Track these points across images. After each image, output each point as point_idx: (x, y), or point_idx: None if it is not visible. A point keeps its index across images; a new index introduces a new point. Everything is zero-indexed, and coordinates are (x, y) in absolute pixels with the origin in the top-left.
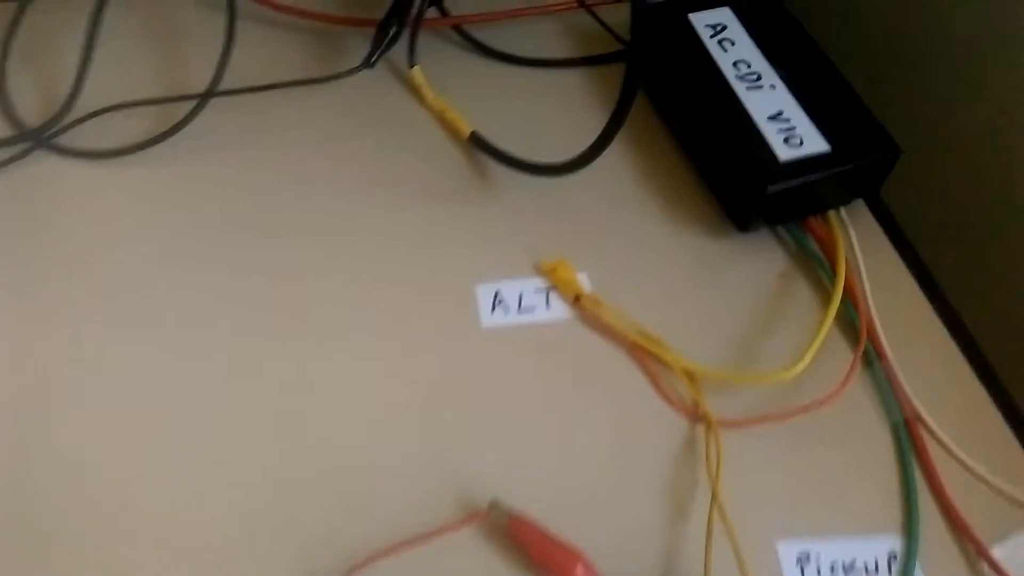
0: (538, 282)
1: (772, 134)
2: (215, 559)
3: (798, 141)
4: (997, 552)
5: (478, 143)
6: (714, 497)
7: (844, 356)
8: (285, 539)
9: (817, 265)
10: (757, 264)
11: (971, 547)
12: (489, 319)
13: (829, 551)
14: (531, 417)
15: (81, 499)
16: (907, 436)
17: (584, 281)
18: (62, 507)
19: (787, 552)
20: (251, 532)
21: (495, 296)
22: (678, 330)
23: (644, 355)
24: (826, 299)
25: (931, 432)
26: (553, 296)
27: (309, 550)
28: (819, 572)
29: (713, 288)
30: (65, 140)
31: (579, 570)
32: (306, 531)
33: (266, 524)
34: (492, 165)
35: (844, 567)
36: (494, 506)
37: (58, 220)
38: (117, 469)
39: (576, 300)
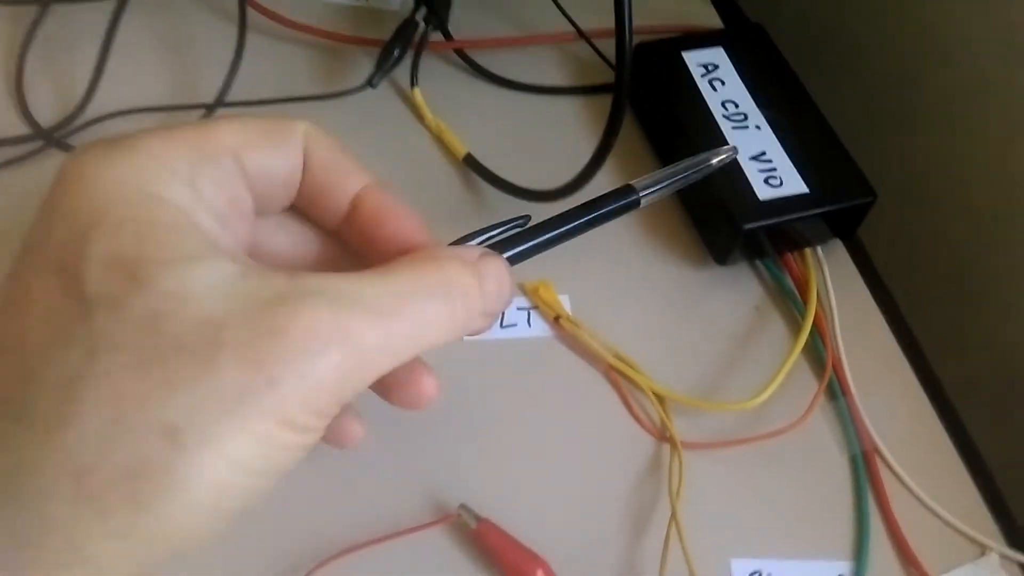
0: (521, 301)
1: (753, 173)
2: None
3: (778, 181)
4: None
5: (472, 165)
6: (673, 514)
7: (810, 388)
8: (253, 534)
9: (791, 300)
10: (733, 296)
11: (917, 575)
12: None
13: (780, 571)
14: (505, 428)
15: None
16: (864, 467)
17: (566, 303)
18: None
19: (740, 570)
20: None
21: None
22: (652, 354)
23: (617, 376)
24: (797, 333)
25: (888, 465)
26: (534, 315)
27: (277, 546)
28: None
29: (689, 316)
30: (76, 141)
31: (539, 574)
32: (274, 529)
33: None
34: (485, 186)
35: None
36: (463, 510)
37: None
38: None
39: (556, 320)
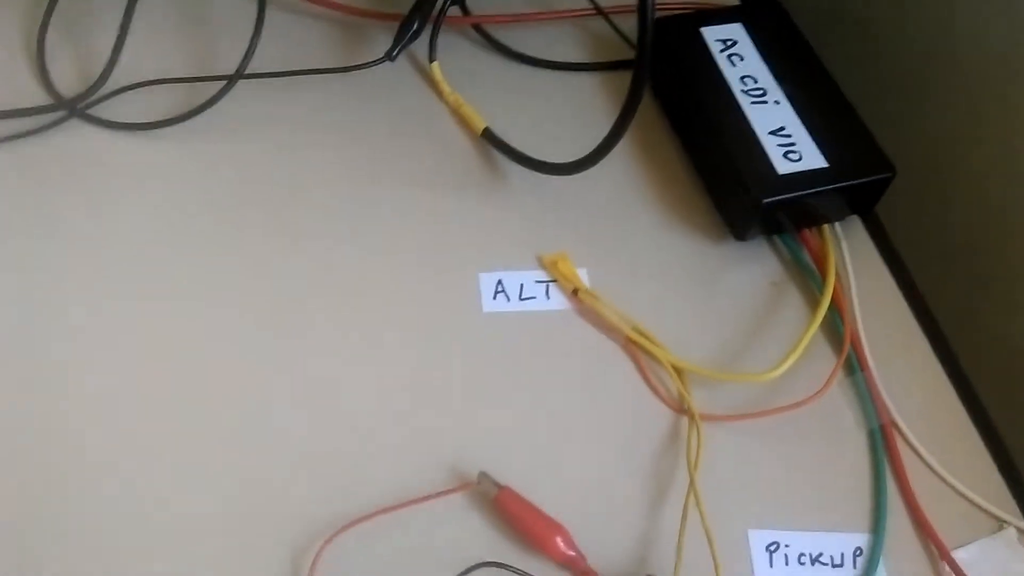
0: (539, 274)
1: (772, 148)
2: (206, 518)
3: (797, 156)
4: (960, 555)
5: (490, 139)
6: (691, 484)
7: (828, 362)
8: (275, 501)
9: (808, 276)
10: (751, 271)
11: (934, 548)
12: (490, 305)
13: (798, 542)
14: (524, 398)
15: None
16: (882, 440)
17: (583, 276)
18: (54, 478)
19: (758, 540)
20: (245, 493)
21: (497, 284)
22: (670, 328)
23: (636, 349)
24: (815, 308)
25: (905, 438)
26: (552, 288)
27: (302, 512)
28: (787, 561)
29: (707, 291)
30: (98, 111)
31: (558, 541)
32: (300, 494)
33: (260, 485)
34: (502, 160)
35: (811, 558)
36: (483, 478)
37: (86, 185)
38: (118, 428)
39: (574, 293)
